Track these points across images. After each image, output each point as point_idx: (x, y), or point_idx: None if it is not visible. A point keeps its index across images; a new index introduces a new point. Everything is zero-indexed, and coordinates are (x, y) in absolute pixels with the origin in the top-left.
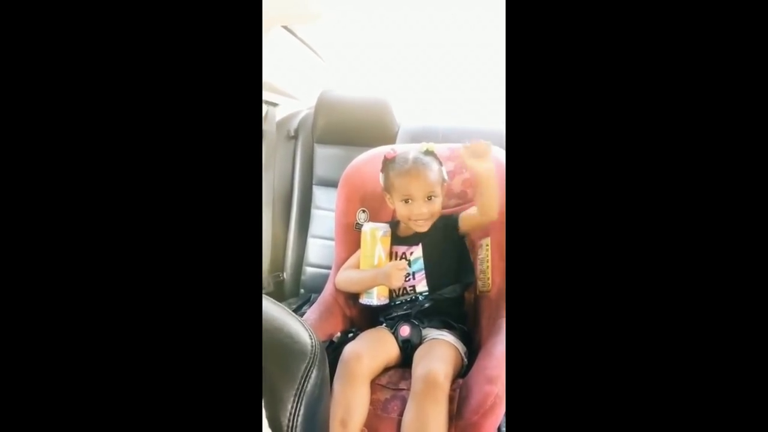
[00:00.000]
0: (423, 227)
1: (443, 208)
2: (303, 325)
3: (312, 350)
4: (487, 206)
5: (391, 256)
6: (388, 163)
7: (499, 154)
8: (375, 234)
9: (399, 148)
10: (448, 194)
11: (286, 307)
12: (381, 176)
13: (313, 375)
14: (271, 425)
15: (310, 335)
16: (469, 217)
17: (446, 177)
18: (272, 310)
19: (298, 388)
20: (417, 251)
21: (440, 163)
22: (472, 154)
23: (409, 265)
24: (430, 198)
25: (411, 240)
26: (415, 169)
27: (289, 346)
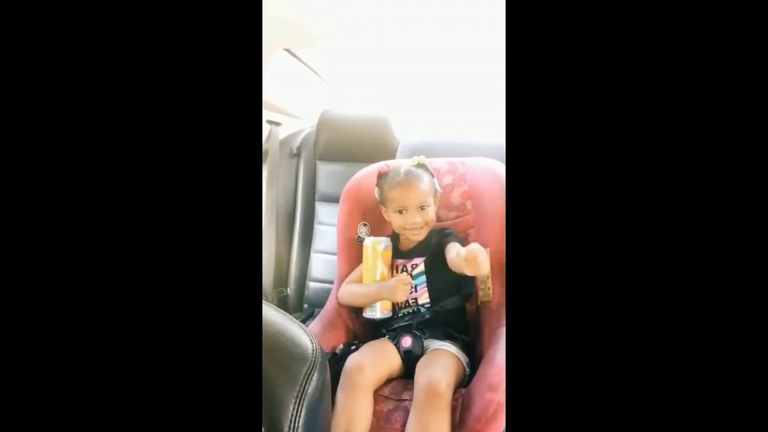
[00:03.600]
0: (418, 236)
1: (444, 220)
2: (304, 331)
3: (313, 354)
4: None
5: (393, 269)
6: (382, 177)
7: (501, 170)
8: (376, 248)
9: (392, 164)
10: (448, 206)
11: (287, 314)
12: (376, 191)
13: (314, 378)
14: (273, 428)
15: (311, 340)
16: (450, 254)
17: (438, 188)
18: (274, 316)
19: (299, 391)
20: (420, 266)
21: (432, 175)
22: (468, 268)
23: (412, 278)
24: (422, 208)
25: (412, 253)
26: (406, 181)
27: (290, 350)
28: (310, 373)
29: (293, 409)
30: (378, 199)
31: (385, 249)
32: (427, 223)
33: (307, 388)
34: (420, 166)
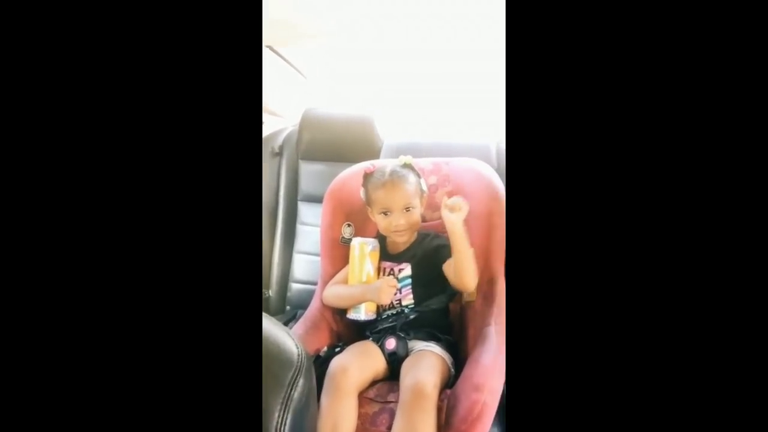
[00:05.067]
0: (403, 237)
1: (428, 220)
2: (289, 335)
3: (298, 359)
4: (460, 276)
5: (379, 271)
6: (367, 177)
7: (485, 170)
8: (363, 249)
9: (378, 163)
10: (432, 207)
11: (273, 318)
12: (362, 191)
13: (300, 384)
14: None
15: (296, 345)
16: (449, 273)
17: (425, 188)
18: None
19: (284, 397)
20: (406, 270)
21: (418, 175)
22: (447, 207)
23: (398, 281)
24: (407, 209)
25: (400, 257)
26: (391, 182)
27: (275, 355)
28: (295, 379)
29: (278, 416)
30: (363, 199)
31: (373, 250)
32: (411, 226)
33: (293, 395)
34: (406, 166)
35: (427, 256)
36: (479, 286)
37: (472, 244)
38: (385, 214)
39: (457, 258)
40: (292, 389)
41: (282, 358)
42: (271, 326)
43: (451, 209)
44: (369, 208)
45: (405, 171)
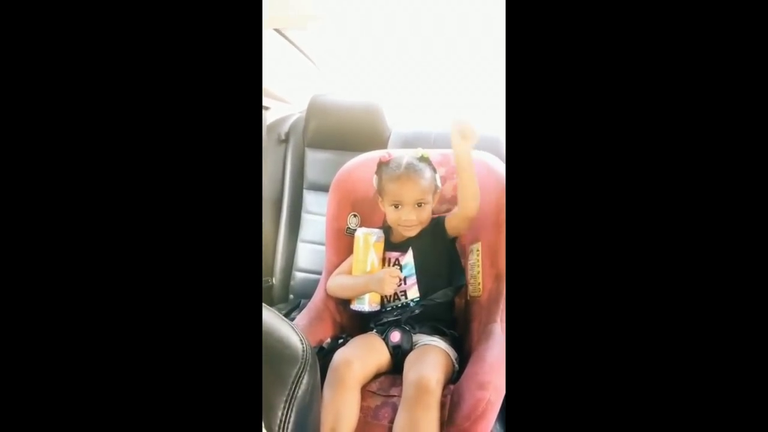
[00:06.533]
0: (411, 232)
1: (435, 213)
2: (294, 330)
3: (303, 355)
4: (465, 197)
5: (384, 262)
6: (382, 166)
7: (496, 164)
8: (368, 239)
9: (395, 153)
10: (439, 199)
11: (277, 312)
12: (375, 179)
13: (304, 381)
14: None
15: (301, 339)
16: (452, 217)
17: (439, 184)
18: (263, 314)
19: (288, 394)
20: (407, 256)
21: (434, 170)
22: (459, 132)
23: (401, 270)
24: (420, 205)
25: (404, 246)
26: (406, 175)
27: (279, 351)
28: (300, 376)
29: (282, 414)
30: (375, 188)
31: (377, 241)
32: (421, 222)
33: (297, 392)
34: (423, 160)
35: (425, 239)
36: (484, 282)
37: (479, 238)
38: (396, 206)
39: (462, 179)
40: (296, 386)
41: (286, 354)
42: (274, 320)
43: (463, 136)
44: (379, 197)
45: (422, 165)
